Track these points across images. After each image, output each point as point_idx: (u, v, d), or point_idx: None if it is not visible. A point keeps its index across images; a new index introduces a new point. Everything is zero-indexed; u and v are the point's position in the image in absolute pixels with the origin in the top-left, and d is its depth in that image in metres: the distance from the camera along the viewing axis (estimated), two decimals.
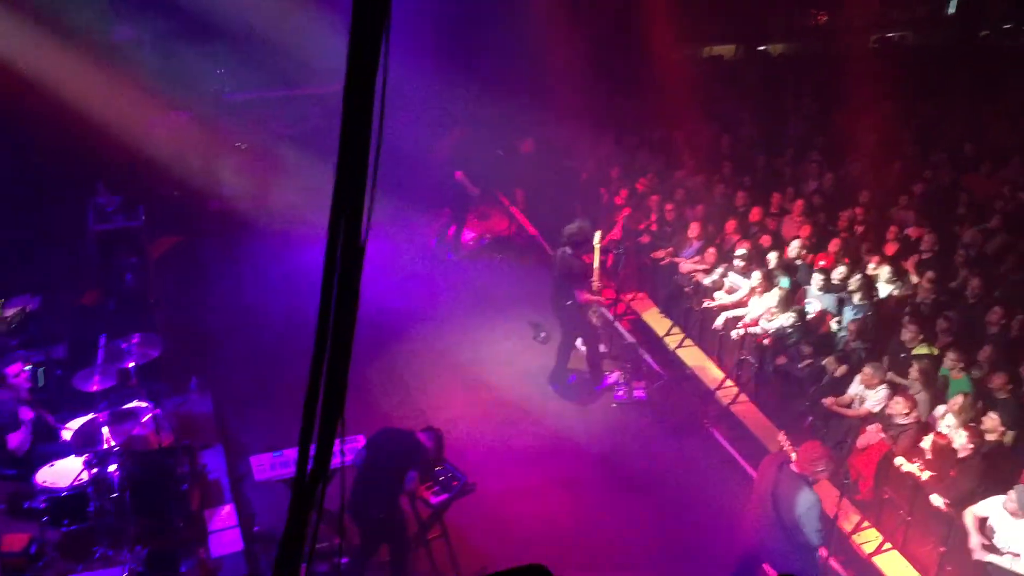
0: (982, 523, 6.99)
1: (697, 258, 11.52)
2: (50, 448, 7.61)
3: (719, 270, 11.11)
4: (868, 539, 7.88)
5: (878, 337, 9.39)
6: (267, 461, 7.53)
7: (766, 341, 9.91)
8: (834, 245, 10.79)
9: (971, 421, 7.73)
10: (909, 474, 7.73)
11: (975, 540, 6.92)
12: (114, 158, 12.42)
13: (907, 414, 7.96)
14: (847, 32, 20.81)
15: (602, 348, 10.78)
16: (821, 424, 8.82)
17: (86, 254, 11.15)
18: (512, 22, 15.66)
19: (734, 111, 16.11)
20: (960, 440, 7.45)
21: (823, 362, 9.24)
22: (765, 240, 11.16)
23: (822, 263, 10.47)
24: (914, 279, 10.12)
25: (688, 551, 8.00)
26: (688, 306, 11.34)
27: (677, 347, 11.22)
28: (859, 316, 9.46)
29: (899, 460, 7.86)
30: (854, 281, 9.80)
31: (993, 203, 11.51)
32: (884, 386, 8.42)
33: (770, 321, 10.06)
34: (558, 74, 15.92)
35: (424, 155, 14.18)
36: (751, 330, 10.15)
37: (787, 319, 9.84)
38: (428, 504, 7.25)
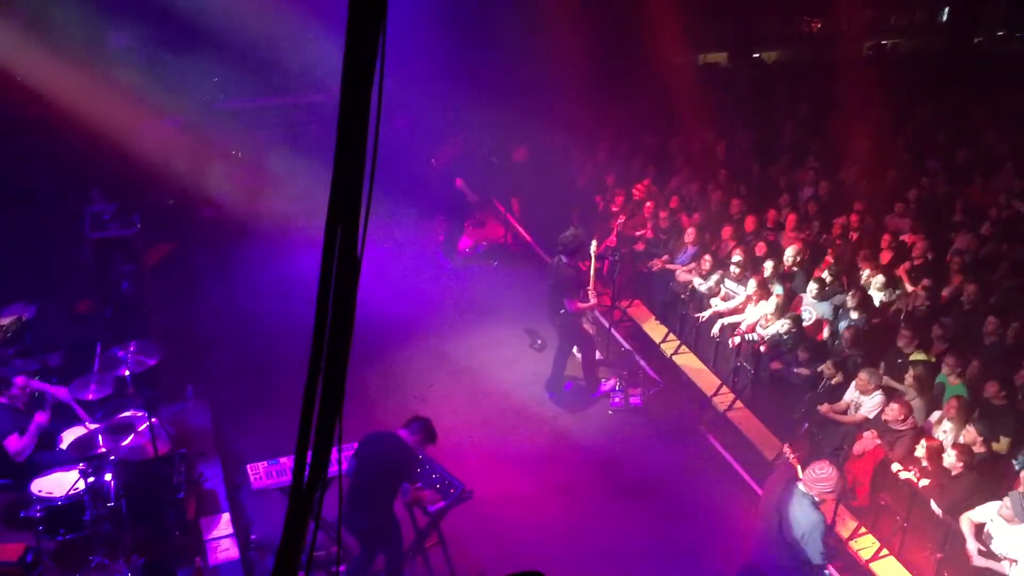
0: (979, 529, 7.00)
1: (693, 265, 11.53)
2: (46, 457, 7.58)
3: (715, 277, 11.12)
4: (865, 545, 7.89)
5: (874, 344, 9.40)
6: (264, 469, 7.51)
7: (762, 348, 9.92)
8: (831, 254, 10.80)
9: (968, 425, 7.76)
10: (906, 480, 7.74)
11: (972, 546, 6.93)
12: (109, 166, 12.42)
13: (903, 420, 7.97)
14: (841, 39, 20.87)
15: (598, 355, 10.78)
16: (817, 430, 8.83)
17: (82, 262, 11.14)
18: (509, 29, 15.70)
19: (729, 118, 16.13)
20: (949, 460, 7.45)
21: (819, 368, 9.25)
22: (760, 248, 11.17)
23: (824, 273, 10.47)
24: (908, 287, 10.14)
25: (684, 557, 8.00)
26: (684, 313, 11.36)
27: (673, 354, 11.23)
28: (854, 323, 9.47)
29: (895, 466, 7.87)
30: (850, 296, 9.79)
31: (987, 210, 11.54)
32: (879, 392, 8.43)
33: (765, 328, 10.07)
34: (554, 81, 15.96)
35: (423, 162, 14.19)
36: (747, 337, 10.16)
37: (782, 326, 9.85)
38: (425, 511, 7.24)
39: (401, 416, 9.76)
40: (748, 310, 10.52)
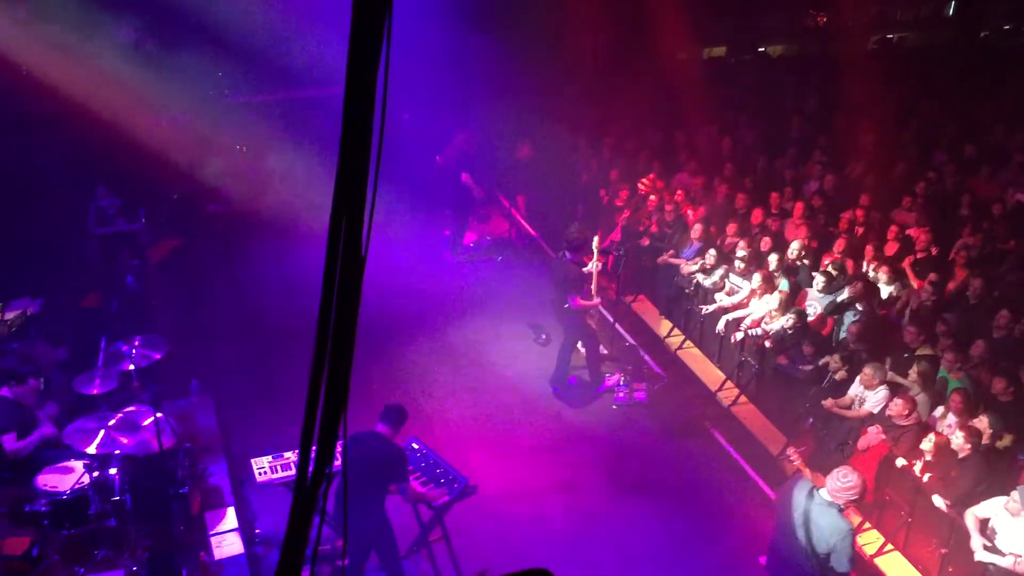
0: (984, 524, 6.98)
1: (697, 259, 11.52)
2: (51, 451, 7.60)
3: (719, 272, 11.11)
4: (869, 540, 7.88)
5: (879, 338, 9.38)
6: (268, 463, 7.51)
7: (767, 343, 9.91)
8: (838, 246, 10.78)
9: (970, 418, 7.74)
10: (910, 475, 7.73)
11: (977, 541, 6.91)
12: (114, 161, 12.43)
13: (907, 415, 7.96)
14: (847, 33, 20.80)
15: (603, 350, 10.78)
16: (821, 426, 8.83)
17: (87, 257, 11.16)
18: (514, 25, 15.68)
19: (735, 112, 16.11)
20: (957, 441, 7.44)
21: (823, 363, 9.24)
22: (766, 242, 11.15)
23: (827, 264, 10.45)
24: (913, 281, 10.12)
25: (688, 552, 7.99)
26: (689, 308, 11.35)
27: (678, 349, 11.23)
28: (859, 318, 9.46)
29: (900, 461, 7.86)
30: (851, 288, 9.77)
31: (993, 204, 11.51)
32: (884, 387, 8.42)
33: (770, 323, 10.06)
34: (559, 77, 15.94)
35: (428, 157, 14.19)
36: (752, 332, 10.15)
37: (787, 320, 9.83)
38: (430, 506, 7.25)
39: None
40: (752, 304, 10.51)
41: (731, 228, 11.70)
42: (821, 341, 9.65)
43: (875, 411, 8.38)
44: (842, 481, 5.78)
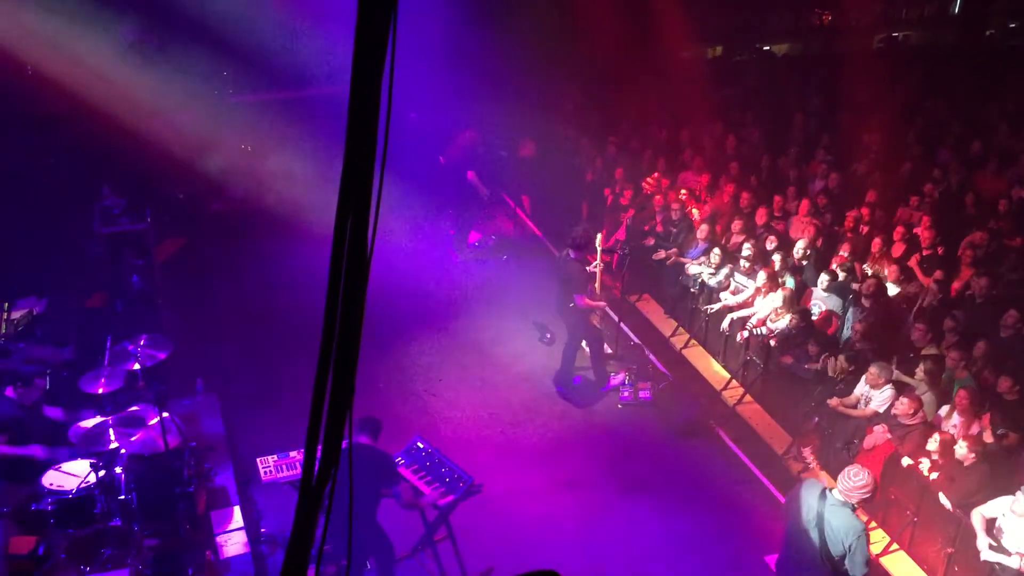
0: (990, 524, 6.97)
1: (702, 258, 11.50)
2: (57, 451, 7.61)
3: (724, 271, 11.09)
4: (875, 540, 7.84)
5: (885, 337, 9.36)
6: (273, 463, 7.52)
7: (772, 342, 9.89)
8: (845, 248, 10.76)
9: (976, 417, 7.73)
10: (916, 474, 7.71)
11: (983, 541, 6.90)
12: (119, 161, 12.44)
13: (913, 414, 7.94)
14: (852, 32, 20.77)
15: (607, 349, 10.78)
16: (827, 425, 8.81)
17: (92, 256, 11.17)
18: (519, 24, 15.67)
19: (740, 111, 16.09)
20: (961, 451, 7.42)
21: (822, 365, 9.23)
22: (771, 241, 11.14)
23: (835, 267, 10.43)
24: (923, 280, 10.10)
25: (693, 551, 7.99)
26: (694, 307, 11.34)
27: (683, 348, 11.22)
28: (865, 317, 9.44)
29: (906, 461, 7.84)
30: (862, 286, 9.75)
31: (999, 203, 11.48)
32: (890, 386, 8.40)
33: (775, 321, 10.05)
34: (564, 76, 15.92)
35: (433, 156, 14.19)
36: (757, 331, 10.13)
37: (790, 319, 9.81)
38: (435, 505, 7.25)
39: (410, 408, 9.89)
40: (757, 303, 10.49)
41: (736, 226, 11.69)
42: (826, 340, 9.63)
43: (881, 410, 8.36)
44: (854, 480, 5.77)
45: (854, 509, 5.82)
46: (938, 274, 9.86)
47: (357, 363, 1.85)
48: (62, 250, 11.83)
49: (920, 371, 8.54)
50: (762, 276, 10.41)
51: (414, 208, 13.46)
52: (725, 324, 10.60)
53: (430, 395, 10.23)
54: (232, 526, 7.70)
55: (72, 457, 7.39)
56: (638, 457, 9.38)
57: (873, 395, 8.48)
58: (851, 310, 9.82)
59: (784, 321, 9.91)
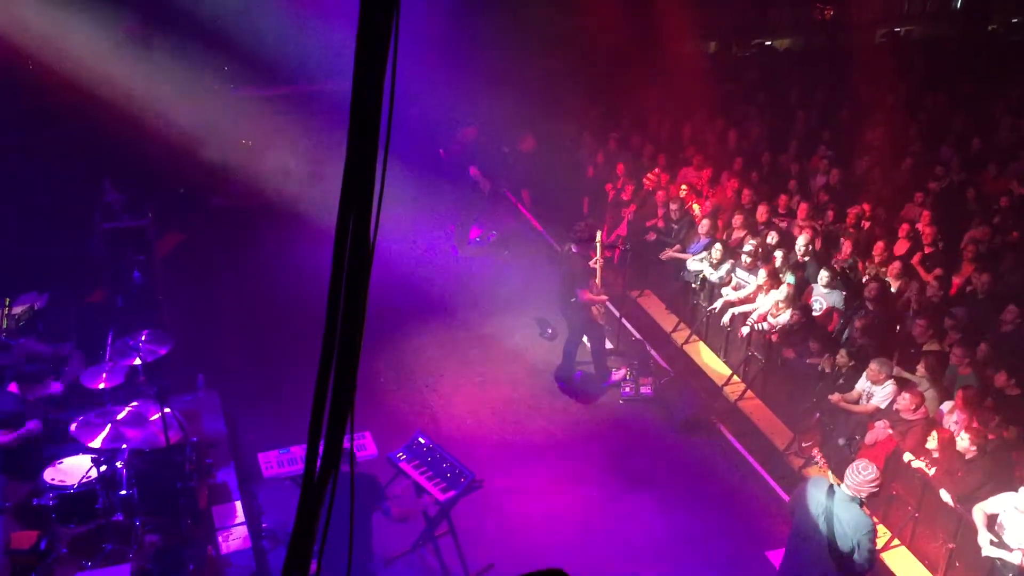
0: (991, 520, 6.96)
1: (704, 254, 11.49)
2: (59, 446, 7.62)
3: (726, 266, 11.08)
4: (877, 536, 7.85)
5: (886, 333, 9.36)
6: (275, 458, 7.52)
7: (773, 337, 9.89)
8: (847, 246, 10.74)
9: (977, 413, 7.72)
10: (918, 470, 7.71)
11: (984, 537, 6.89)
12: (120, 156, 12.43)
13: (915, 410, 7.94)
14: (853, 27, 20.74)
15: (608, 345, 10.78)
16: (829, 420, 8.81)
17: (93, 252, 11.17)
18: (521, 19, 15.65)
19: (742, 106, 16.07)
20: (963, 443, 7.41)
21: (822, 363, 9.22)
22: (772, 237, 11.12)
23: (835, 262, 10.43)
24: (925, 277, 10.09)
25: (694, 546, 7.99)
26: (695, 302, 11.34)
27: (684, 343, 11.22)
28: (866, 313, 9.43)
29: (907, 456, 7.84)
30: (870, 288, 9.74)
31: (1000, 198, 11.47)
32: (891, 382, 8.39)
33: (775, 317, 10.04)
34: (566, 70, 15.90)
35: (435, 151, 14.17)
36: (758, 326, 10.13)
37: (791, 316, 9.80)
38: (436, 501, 7.25)
39: (412, 404, 9.89)
40: (759, 299, 10.49)
41: (737, 221, 11.67)
42: (827, 336, 9.62)
43: (882, 406, 8.35)
44: (863, 474, 5.78)
45: (862, 504, 5.82)
46: (938, 271, 9.85)
47: (359, 358, 1.85)
48: (63, 246, 11.82)
49: (921, 367, 8.53)
50: (763, 273, 10.40)
51: (415, 204, 13.46)
52: (726, 319, 10.60)
53: (431, 391, 10.24)
54: (233, 521, 7.70)
55: (74, 451, 7.39)
56: (639, 452, 9.39)
57: (874, 391, 8.47)
58: (853, 306, 9.81)
59: (785, 316, 9.90)
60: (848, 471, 5.88)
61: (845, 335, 9.58)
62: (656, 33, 16.25)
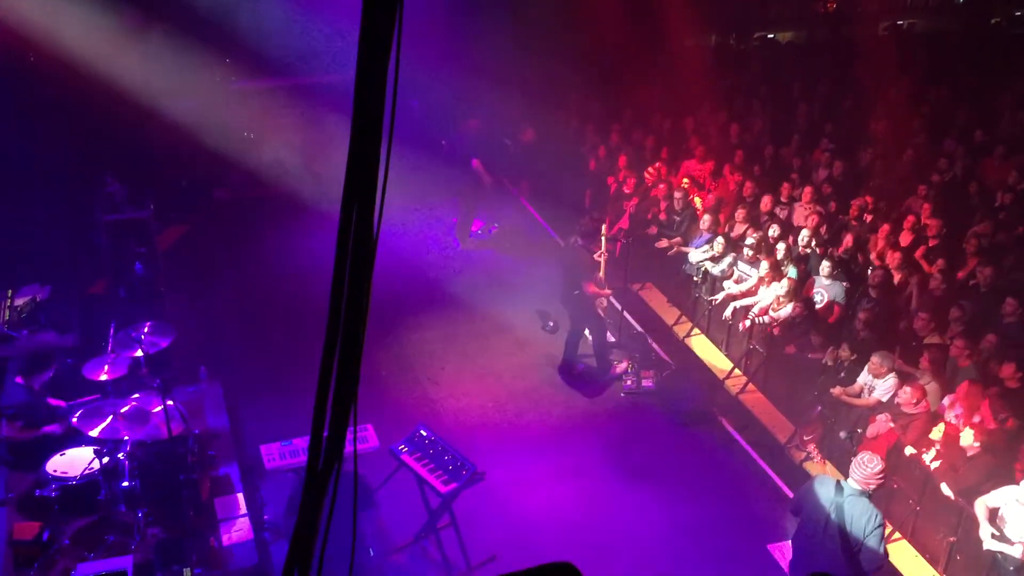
0: (993, 513, 6.96)
1: (706, 247, 11.49)
2: (62, 438, 7.63)
3: (728, 259, 11.08)
4: (886, 528, 7.86)
5: (888, 326, 9.35)
6: (277, 450, 7.54)
7: (775, 330, 9.89)
8: (849, 239, 10.73)
9: (978, 407, 7.72)
10: (919, 464, 7.71)
11: (985, 530, 6.89)
12: (122, 148, 12.44)
13: (916, 403, 7.93)
14: (856, 20, 20.68)
15: (610, 338, 10.78)
16: (830, 414, 8.81)
17: (95, 244, 11.18)
18: (520, 10, 15.61)
19: (744, 99, 16.04)
20: (967, 440, 7.41)
21: (831, 351, 9.22)
22: (774, 230, 11.11)
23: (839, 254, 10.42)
24: (929, 271, 10.08)
25: (696, 540, 8.00)
26: (697, 295, 11.34)
27: (686, 336, 11.22)
28: (869, 305, 9.43)
29: (909, 450, 7.84)
30: (874, 276, 9.73)
31: (1004, 191, 11.45)
32: (892, 375, 8.39)
33: (777, 311, 10.04)
34: (568, 63, 15.86)
35: (437, 143, 14.15)
36: (760, 319, 10.12)
37: (793, 308, 9.80)
38: (438, 493, 7.26)
39: (414, 397, 9.90)
40: (761, 292, 10.48)
41: (739, 214, 11.66)
42: (829, 329, 9.61)
43: (884, 399, 8.36)
44: (870, 467, 5.79)
45: (870, 498, 5.83)
46: (940, 263, 9.84)
47: (362, 351, 1.85)
48: (65, 237, 11.83)
49: (924, 360, 8.52)
50: (765, 265, 10.40)
51: (417, 196, 13.46)
52: (728, 313, 10.60)
53: (433, 383, 10.24)
54: (236, 513, 7.71)
55: (77, 443, 7.40)
56: (641, 445, 9.39)
57: (876, 384, 8.47)
58: (855, 298, 9.81)
59: (787, 309, 9.90)
60: (854, 465, 5.88)
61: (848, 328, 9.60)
62: (659, 26, 16.20)
